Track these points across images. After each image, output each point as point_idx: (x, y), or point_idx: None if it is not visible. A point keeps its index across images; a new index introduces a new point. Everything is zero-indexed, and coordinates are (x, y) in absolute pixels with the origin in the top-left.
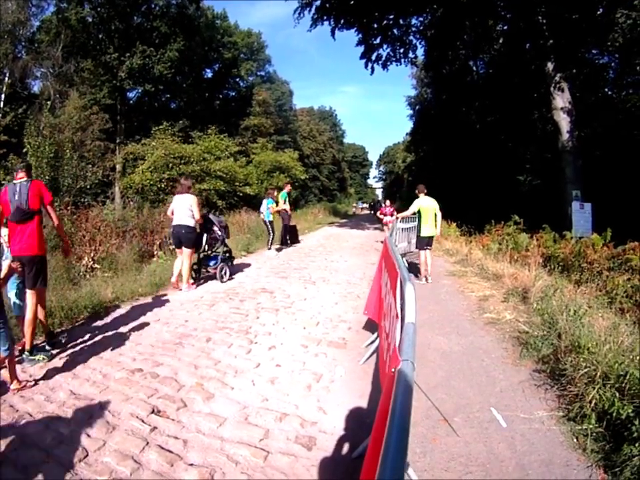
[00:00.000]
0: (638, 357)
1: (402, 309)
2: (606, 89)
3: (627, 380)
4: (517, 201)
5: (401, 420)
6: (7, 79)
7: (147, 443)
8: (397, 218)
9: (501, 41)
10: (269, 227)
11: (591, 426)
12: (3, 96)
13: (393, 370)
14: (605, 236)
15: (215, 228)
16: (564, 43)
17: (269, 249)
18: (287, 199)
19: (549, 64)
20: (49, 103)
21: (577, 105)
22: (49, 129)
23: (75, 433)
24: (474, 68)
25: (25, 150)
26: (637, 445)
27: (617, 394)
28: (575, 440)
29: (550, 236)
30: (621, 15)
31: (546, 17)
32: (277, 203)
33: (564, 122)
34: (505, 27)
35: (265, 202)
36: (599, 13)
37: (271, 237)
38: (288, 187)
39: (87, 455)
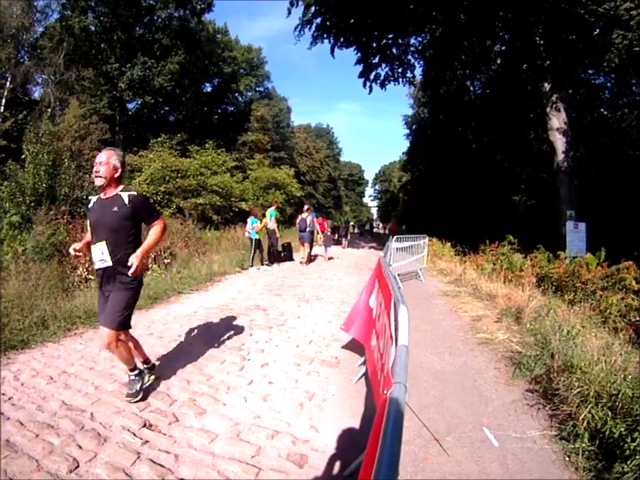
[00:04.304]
0: (630, 376)
1: (396, 330)
2: (601, 109)
3: (619, 399)
4: (512, 220)
5: (392, 442)
6: (8, 83)
7: (138, 456)
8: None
9: (498, 61)
10: (254, 244)
11: (583, 444)
12: (3, 100)
13: (385, 392)
14: (599, 255)
15: None
16: (561, 64)
17: (251, 265)
18: (276, 216)
19: (546, 84)
20: (49, 110)
21: (573, 125)
22: (48, 137)
23: (66, 444)
24: (471, 88)
25: (23, 156)
26: (628, 462)
27: (610, 413)
28: (567, 459)
29: (544, 256)
30: (617, 35)
31: (543, 37)
32: (260, 220)
33: (559, 142)
34: (503, 48)
35: (249, 221)
36: (595, 33)
37: (252, 254)
38: (275, 205)
39: (78, 466)
